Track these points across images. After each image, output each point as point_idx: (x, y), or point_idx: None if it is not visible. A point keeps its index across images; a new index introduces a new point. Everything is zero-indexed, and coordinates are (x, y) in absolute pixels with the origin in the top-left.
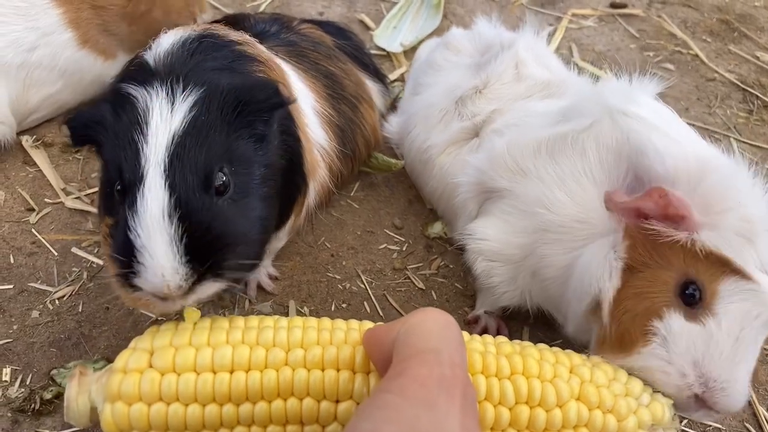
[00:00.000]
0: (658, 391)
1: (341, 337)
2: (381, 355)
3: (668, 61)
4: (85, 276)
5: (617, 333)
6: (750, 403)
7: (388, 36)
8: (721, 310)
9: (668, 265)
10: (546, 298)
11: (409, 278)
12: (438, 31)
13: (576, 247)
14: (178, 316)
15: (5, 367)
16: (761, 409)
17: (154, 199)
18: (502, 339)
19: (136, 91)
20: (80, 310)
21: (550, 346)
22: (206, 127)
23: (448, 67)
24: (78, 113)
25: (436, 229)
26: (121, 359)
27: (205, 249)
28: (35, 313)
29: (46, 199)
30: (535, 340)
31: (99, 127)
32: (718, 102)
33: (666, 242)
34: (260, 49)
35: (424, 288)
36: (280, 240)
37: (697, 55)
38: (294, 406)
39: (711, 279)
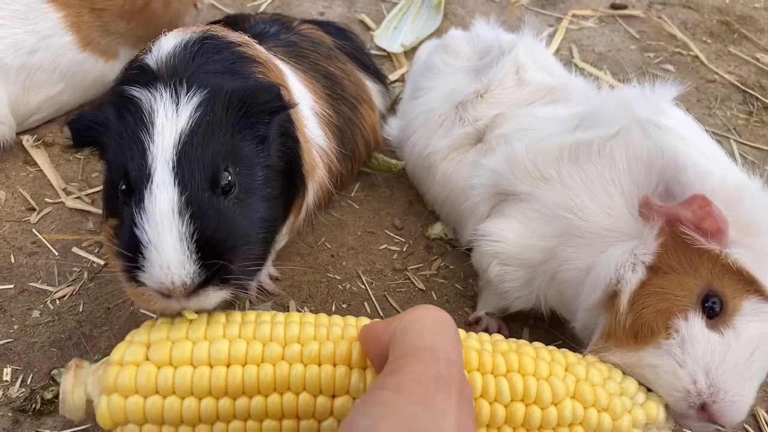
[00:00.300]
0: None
1: (338, 332)
2: (378, 351)
3: (668, 62)
4: (85, 276)
5: (633, 325)
6: None
7: (389, 36)
8: (742, 326)
9: (695, 273)
10: (560, 302)
11: (409, 279)
12: (438, 32)
13: (601, 252)
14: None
15: (6, 367)
16: (761, 411)
17: (163, 195)
18: (498, 337)
19: (140, 93)
20: (81, 310)
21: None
22: (211, 127)
23: (447, 70)
24: (80, 115)
25: (437, 229)
26: (118, 352)
27: (213, 248)
28: (36, 313)
29: (46, 199)
30: (535, 340)
31: (102, 129)
32: (718, 103)
33: (697, 250)
34: (259, 50)
35: (424, 289)
36: (279, 240)
37: (697, 57)
38: (290, 401)
39: (735, 293)
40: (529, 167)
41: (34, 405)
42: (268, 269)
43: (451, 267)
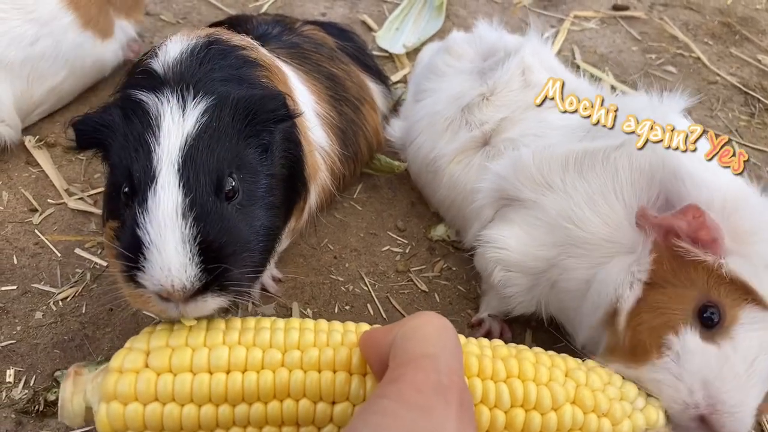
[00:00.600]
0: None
1: (338, 339)
2: (378, 357)
3: (670, 64)
4: (88, 277)
5: (631, 343)
6: None
7: (391, 37)
8: (739, 336)
9: (691, 285)
10: (561, 309)
11: (412, 281)
12: (441, 33)
13: (601, 263)
14: None
15: (9, 369)
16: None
17: (167, 197)
18: (498, 342)
19: (147, 97)
20: (84, 312)
21: (553, 349)
22: (217, 133)
23: (451, 73)
24: (85, 116)
25: (439, 231)
26: (117, 359)
27: (215, 253)
28: (39, 315)
29: (49, 200)
30: (538, 342)
31: (107, 131)
32: (720, 105)
33: (692, 262)
34: (262, 53)
35: (427, 290)
36: (281, 243)
37: (698, 58)
38: (290, 408)
39: (732, 304)
40: (534, 174)
41: (37, 407)
42: (271, 271)
43: (454, 269)
